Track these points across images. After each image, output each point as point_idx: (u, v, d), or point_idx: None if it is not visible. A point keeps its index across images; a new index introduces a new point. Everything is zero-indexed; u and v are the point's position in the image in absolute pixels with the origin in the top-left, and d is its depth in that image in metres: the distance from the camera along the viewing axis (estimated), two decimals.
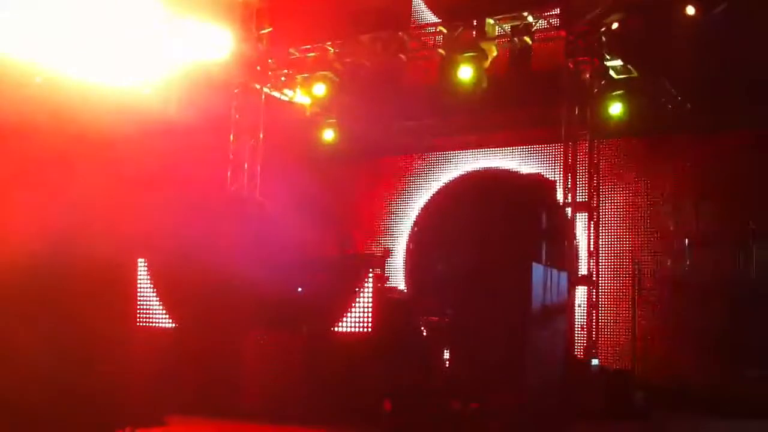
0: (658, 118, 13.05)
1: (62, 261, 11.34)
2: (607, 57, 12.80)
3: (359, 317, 10.44)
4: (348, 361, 10.23)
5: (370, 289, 10.38)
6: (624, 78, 12.86)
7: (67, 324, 10.99)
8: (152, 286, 11.55)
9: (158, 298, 11.49)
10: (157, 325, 11.36)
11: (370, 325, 10.34)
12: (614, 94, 12.86)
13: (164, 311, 11.39)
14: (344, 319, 10.48)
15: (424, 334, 11.09)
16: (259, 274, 11.71)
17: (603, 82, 12.97)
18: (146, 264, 11.64)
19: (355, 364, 10.17)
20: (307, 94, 14.71)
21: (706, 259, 12.57)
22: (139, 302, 11.54)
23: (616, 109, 12.77)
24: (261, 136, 15.22)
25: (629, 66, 12.77)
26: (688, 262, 12.73)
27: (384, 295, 10.66)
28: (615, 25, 12.50)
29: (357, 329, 10.41)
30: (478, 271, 10.58)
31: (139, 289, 11.72)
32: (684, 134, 13.15)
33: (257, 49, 14.99)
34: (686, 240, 12.83)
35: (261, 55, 14.98)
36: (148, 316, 11.48)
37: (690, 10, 11.98)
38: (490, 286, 10.40)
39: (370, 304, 10.35)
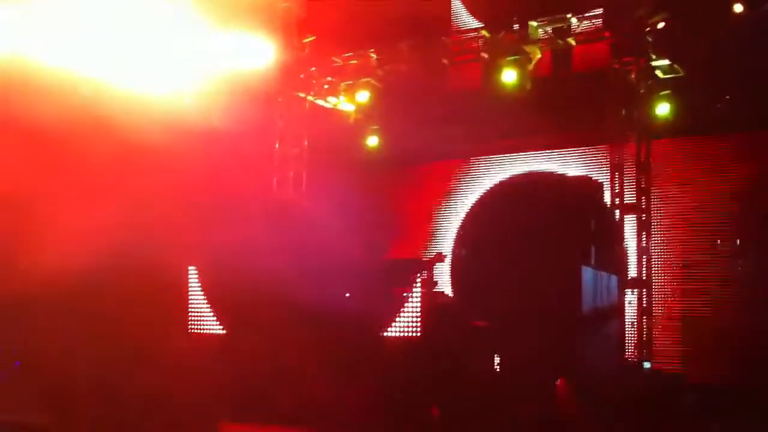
0: (706, 117, 12.88)
1: (116, 268, 11.57)
2: (653, 57, 12.67)
3: (408, 322, 10.45)
4: (396, 366, 10.23)
5: (419, 294, 10.38)
6: (671, 77, 12.71)
7: (122, 330, 11.21)
8: (203, 292, 11.68)
9: (209, 305, 11.61)
10: (208, 331, 11.48)
11: (418, 330, 10.33)
12: (661, 94, 12.72)
13: (215, 318, 11.50)
14: (393, 324, 10.49)
15: (473, 339, 11.04)
16: (307, 279, 11.78)
17: (649, 82, 12.83)
18: (197, 271, 11.77)
19: (404, 369, 10.17)
20: (351, 101, 14.80)
21: (759, 260, 12.37)
22: (190, 309, 11.70)
23: (663, 109, 12.63)
24: (306, 143, 15.34)
25: (676, 65, 12.63)
26: (740, 263, 12.54)
27: (432, 300, 10.62)
28: (660, 25, 12.38)
29: (405, 334, 10.40)
30: (526, 276, 10.54)
31: (190, 296, 11.91)
32: (732, 133, 12.95)
33: (300, 57, 15.12)
34: (737, 240, 12.64)
35: (303, 63, 15.10)
36: (199, 322, 11.61)
37: (738, 8, 11.84)
38: (540, 290, 10.35)
39: (419, 309, 10.35)
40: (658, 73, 12.78)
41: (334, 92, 15.14)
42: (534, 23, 13.21)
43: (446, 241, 15.37)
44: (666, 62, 12.64)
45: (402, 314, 10.46)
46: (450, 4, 15.51)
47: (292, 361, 10.67)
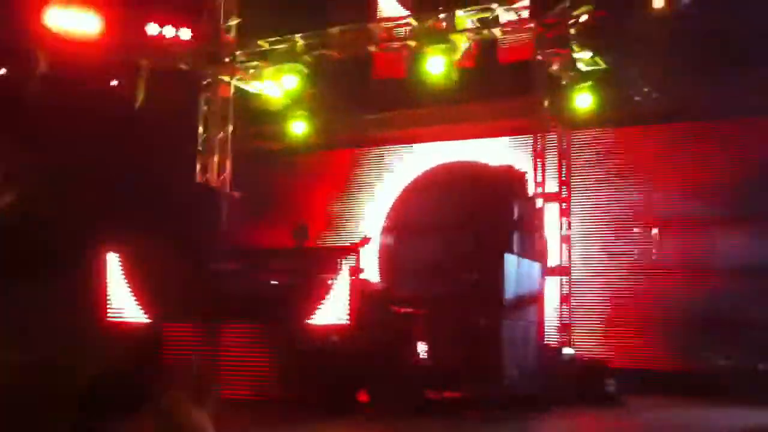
0: (625, 109, 13.20)
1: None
2: (576, 49, 12.90)
3: (335, 309, 10.47)
4: (325, 352, 10.25)
5: (347, 281, 10.42)
6: (593, 70, 12.97)
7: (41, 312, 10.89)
8: (125, 280, 11.46)
9: (132, 293, 11.40)
10: (130, 319, 11.28)
11: (346, 317, 10.37)
12: (583, 85, 12.97)
13: (138, 305, 11.31)
14: (319, 311, 10.50)
15: (400, 325, 11.13)
16: (232, 266, 11.68)
17: (572, 74, 13.08)
18: (118, 258, 11.53)
19: (332, 355, 10.19)
20: (277, 86, 14.65)
21: (676, 247, 12.77)
22: (109, 297, 11.48)
23: (584, 100, 12.90)
24: (230, 128, 15.13)
25: (597, 58, 12.89)
26: (655, 251, 12.93)
27: (360, 287, 10.67)
28: (584, 18, 12.62)
29: (333, 321, 10.43)
30: (451, 263, 10.66)
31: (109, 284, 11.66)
32: (650, 124, 13.31)
33: (225, 41, 14.89)
34: (655, 228, 13.01)
35: (229, 46, 14.87)
36: (120, 310, 11.41)
37: (658, 3, 12.15)
38: (464, 277, 10.50)
39: (346, 296, 10.38)
40: (580, 65, 13.01)
41: (260, 77, 14.95)
42: (461, 13, 13.31)
43: (371, 228, 15.39)
44: (588, 54, 12.88)
45: (329, 300, 10.50)
46: None
47: (222, 349, 10.59)
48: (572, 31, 12.73)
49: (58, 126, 11.51)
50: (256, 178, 14.97)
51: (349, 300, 10.30)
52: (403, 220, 13.23)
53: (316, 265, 10.89)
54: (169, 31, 13.79)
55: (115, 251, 11.69)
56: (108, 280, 11.56)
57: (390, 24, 14.23)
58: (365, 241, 11.81)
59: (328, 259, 10.85)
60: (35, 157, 11.10)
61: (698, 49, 11.82)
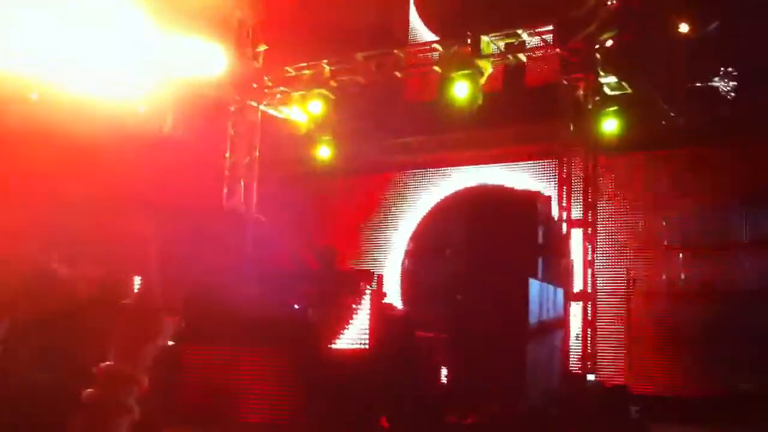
0: (652, 133, 13.13)
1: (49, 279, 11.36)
2: (602, 73, 12.88)
3: (357, 334, 10.47)
4: (346, 377, 10.23)
5: (368, 306, 10.42)
6: (618, 94, 12.93)
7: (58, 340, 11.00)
8: None
9: None
10: None
11: (367, 341, 10.36)
12: (609, 110, 12.93)
13: None
14: (341, 335, 10.51)
15: (422, 350, 11.11)
16: (257, 289, 11.73)
17: (597, 98, 13.04)
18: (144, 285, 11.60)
19: (354, 380, 10.17)
20: (303, 112, 14.78)
21: (701, 272, 12.62)
22: None
23: (610, 124, 12.83)
24: (257, 153, 15.27)
25: (623, 82, 12.86)
26: (683, 276, 12.78)
27: (381, 312, 10.67)
28: (609, 42, 12.60)
29: (355, 346, 10.42)
30: (475, 288, 10.62)
31: None
32: (677, 149, 13.21)
33: (253, 66, 15.08)
34: (680, 254, 12.88)
35: (257, 72, 15.06)
36: None
37: (683, 28, 12.12)
38: (488, 302, 10.45)
39: (368, 321, 10.39)
40: (606, 89, 12.99)
41: (287, 102, 15.10)
42: (486, 38, 13.36)
43: (396, 252, 15.40)
44: (613, 79, 12.85)
45: (351, 325, 10.51)
46: (407, 17, 15.63)
47: (240, 371, 10.63)
48: (597, 55, 12.73)
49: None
50: (283, 202, 15.07)
51: (371, 325, 10.29)
52: (428, 244, 13.23)
53: (338, 289, 10.90)
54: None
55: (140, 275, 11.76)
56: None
57: (416, 49, 14.34)
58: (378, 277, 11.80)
59: (351, 283, 10.86)
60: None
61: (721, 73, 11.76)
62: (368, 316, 10.46)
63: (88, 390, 2.30)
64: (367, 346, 10.38)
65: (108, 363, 2.35)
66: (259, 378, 10.56)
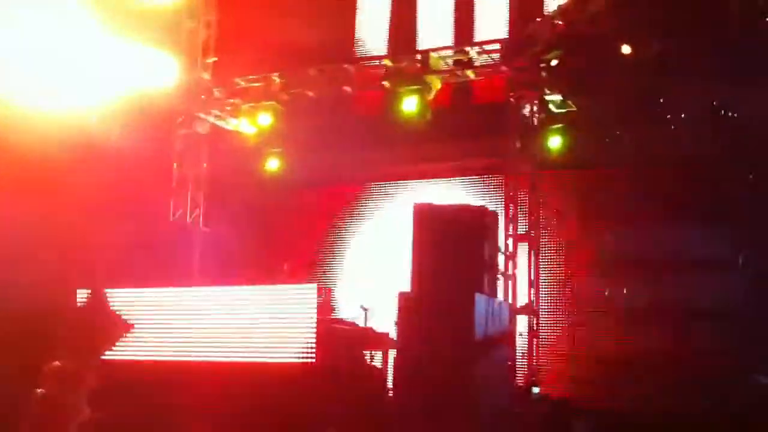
0: (596, 151, 13.38)
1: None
2: (547, 91, 13.15)
3: (303, 348, 10.48)
4: (291, 392, 10.23)
5: (314, 320, 10.44)
6: (563, 112, 13.20)
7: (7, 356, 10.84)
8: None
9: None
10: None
11: (314, 356, 10.38)
12: (554, 127, 13.19)
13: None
14: (286, 349, 10.52)
15: (369, 365, 11.17)
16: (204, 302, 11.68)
17: (543, 116, 13.31)
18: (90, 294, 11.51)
19: (298, 395, 10.18)
20: (252, 124, 14.78)
21: (645, 287, 12.87)
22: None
23: (555, 142, 13.11)
24: (204, 165, 15.22)
25: (568, 101, 13.13)
26: (625, 291, 13.04)
27: (328, 326, 10.70)
28: (554, 62, 12.87)
29: (300, 360, 10.44)
30: (420, 302, 10.69)
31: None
32: (622, 167, 13.45)
33: (202, 78, 15.04)
34: (625, 270, 13.11)
35: (206, 84, 15.02)
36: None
37: (626, 49, 12.42)
38: (434, 316, 10.52)
39: (314, 335, 10.40)
40: (551, 107, 13.25)
41: (236, 114, 15.09)
42: (435, 54, 13.55)
43: (343, 265, 15.44)
44: (558, 97, 13.12)
45: (297, 339, 10.51)
46: (353, 32, 15.73)
47: (184, 385, 10.57)
48: (543, 74, 12.99)
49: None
50: (231, 214, 15.02)
51: (317, 339, 10.31)
52: None
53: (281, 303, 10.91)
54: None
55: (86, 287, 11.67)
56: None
57: (366, 64, 14.46)
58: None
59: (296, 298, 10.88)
60: None
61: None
62: (314, 330, 10.47)
63: (38, 389, 2.33)
64: (310, 361, 10.40)
65: (55, 363, 2.39)
66: (204, 393, 10.50)
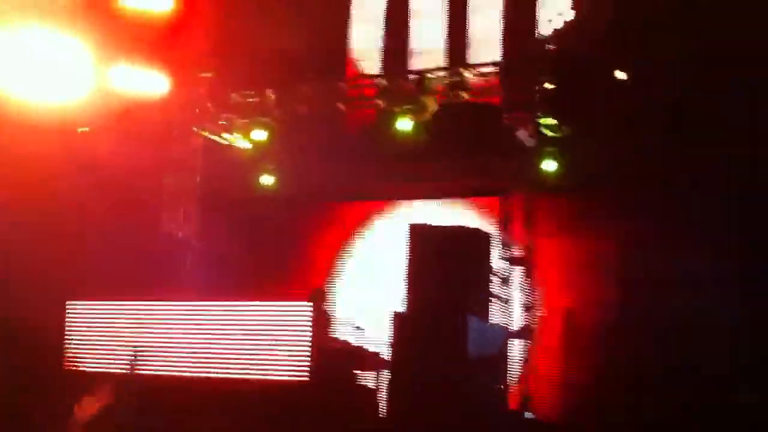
0: (588, 176, 13.44)
1: None
2: (541, 115, 13.23)
3: (296, 366, 10.47)
4: (282, 410, 10.21)
5: (310, 337, 10.44)
6: (558, 135, 13.27)
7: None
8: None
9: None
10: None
11: (307, 373, 10.36)
12: (548, 150, 13.26)
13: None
14: (279, 366, 10.51)
15: (362, 384, 11.17)
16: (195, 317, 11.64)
17: (538, 139, 13.37)
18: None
19: (290, 413, 10.16)
20: (247, 139, 14.79)
21: (639, 311, 12.91)
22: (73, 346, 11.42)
23: (550, 165, 13.15)
24: (198, 179, 15.19)
25: (562, 125, 13.20)
26: (619, 315, 13.08)
27: (323, 344, 10.69)
28: (548, 85, 12.97)
29: (293, 378, 10.42)
30: (414, 323, 10.70)
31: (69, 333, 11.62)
32: (616, 190, 13.49)
33: (197, 92, 15.02)
34: (620, 292, 13.14)
35: (201, 98, 15.00)
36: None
37: (619, 74, 12.55)
38: (427, 338, 10.54)
39: (309, 352, 10.39)
40: (546, 130, 13.32)
41: (230, 129, 15.09)
42: (430, 75, 13.62)
43: (338, 282, 15.41)
44: (552, 121, 13.20)
45: (291, 356, 10.50)
46: (348, 49, 15.77)
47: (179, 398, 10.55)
48: (537, 97, 13.09)
49: None
50: (225, 229, 14.99)
51: (311, 355, 10.31)
52: None
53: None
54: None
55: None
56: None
57: (361, 83, 14.51)
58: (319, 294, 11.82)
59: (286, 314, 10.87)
60: None
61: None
62: (309, 348, 10.46)
63: None
64: (303, 378, 10.39)
65: None
66: (199, 407, 10.47)
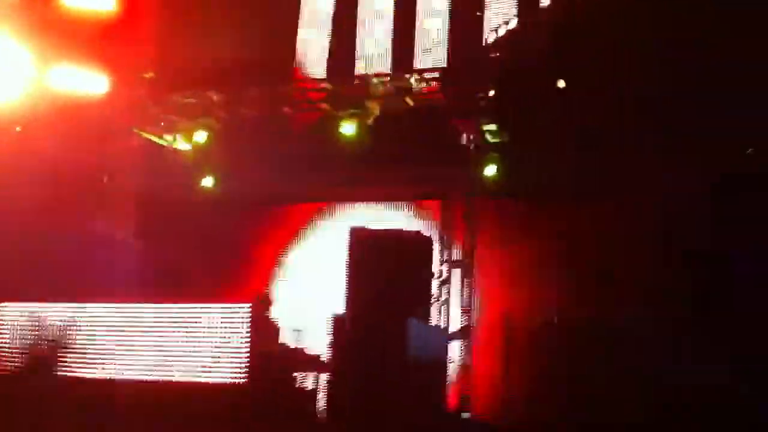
0: (532, 180, 13.58)
1: None
2: (484, 121, 13.38)
3: (234, 368, 10.41)
4: (221, 412, 10.13)
5: (248, 340, 10.39)
6: (499, 141, 13.43)
7: None
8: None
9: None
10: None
11: (246, 375, 10.31)
12: (490, 155, 13.41)
13: None
14: (217, 369, 10.44)
15: (301, 386, 11.14)
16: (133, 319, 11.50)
17: (479, 144, 13.52)
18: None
19: (229, 415, 10.09)
20: (188, 141, 14.67)
21: (575, 316, 13.06)
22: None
23: (491, 170, 13.30)
24: (137, 180, 14.99)
25: (503, 131, 13.37)
26: (556, 320, 13.23)
27: (262, 346, 10.65)
28: (491, 92, 13.13)
29: (231, 380, 10.37)
30: (354, 326, 10.71)
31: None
32: (556, 197, 13.65)
33: (138, 92, 14.83)
34: (558, 294, 13.29)
35: (142, 98, 14.82)
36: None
37: (560, 83, 12.74)
38: (367, 340, 10.55)
39: (248, 354, 10.34)
40: (487, 136, 13.48)
41: (172, 130, 14.94)
42: (375, 80, 13.68)
43: (277, 285, 15.32)
44: (494, 127, 13.36)
45: (229, 358, 10.45)
46: (294, 53, 15.72)
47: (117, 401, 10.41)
48: (481, 103, 13.23)
49: None
50: (164, 231, 14.82)
51: (249, 358, 10.27)
52: None
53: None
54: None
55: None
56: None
57: (306, 87, 14.48)
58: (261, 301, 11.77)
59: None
60: None
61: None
62: (247, 351, 10.42)
63: None
64: (241, 380, 10.35)
65: None
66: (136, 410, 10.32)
